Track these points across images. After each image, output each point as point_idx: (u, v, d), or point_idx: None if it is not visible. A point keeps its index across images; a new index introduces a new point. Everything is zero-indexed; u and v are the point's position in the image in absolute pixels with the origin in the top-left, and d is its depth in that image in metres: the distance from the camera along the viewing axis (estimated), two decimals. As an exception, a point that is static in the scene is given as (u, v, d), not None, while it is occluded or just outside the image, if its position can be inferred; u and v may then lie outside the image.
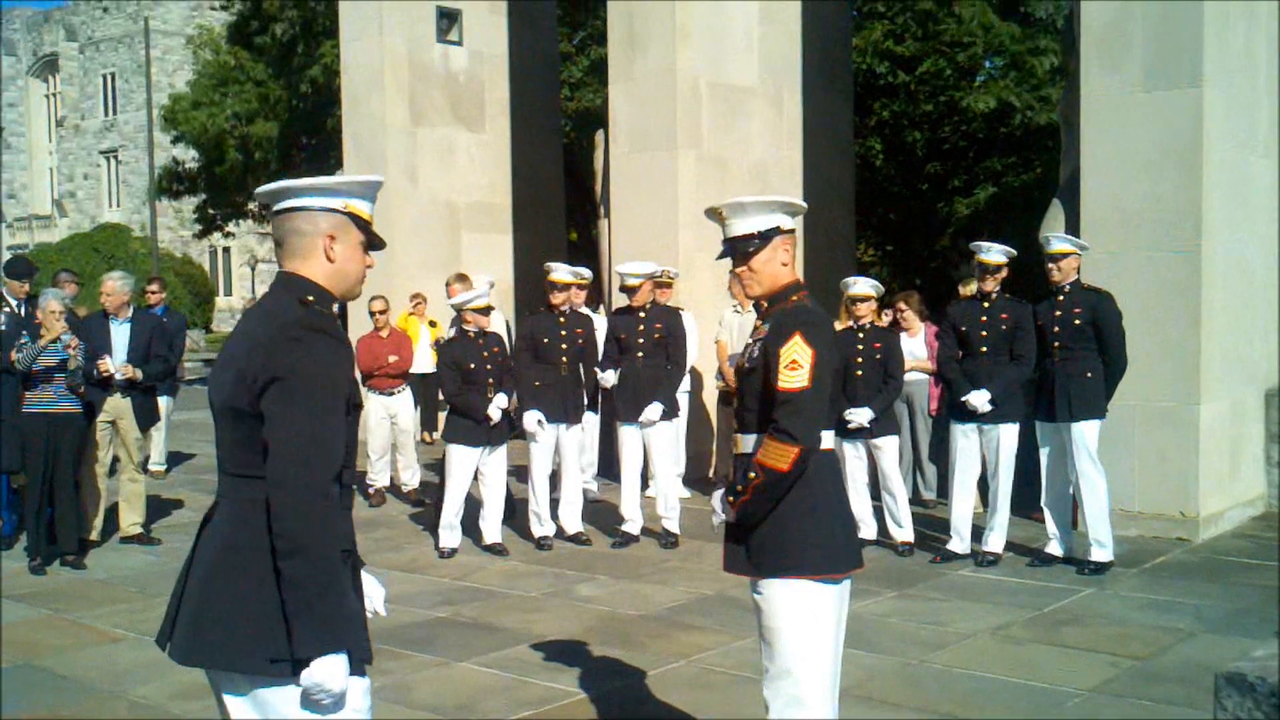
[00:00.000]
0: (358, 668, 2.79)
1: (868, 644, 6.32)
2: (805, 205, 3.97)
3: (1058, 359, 7.92)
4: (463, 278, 10.36)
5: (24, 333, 8.27)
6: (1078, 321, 7.87)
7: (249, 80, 27.20)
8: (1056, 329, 7.93)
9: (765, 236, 3.79)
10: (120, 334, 8.90)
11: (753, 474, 3.62)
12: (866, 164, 21.45)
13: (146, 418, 9.05)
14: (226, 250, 55.36)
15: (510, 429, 8.69)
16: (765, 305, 3.87)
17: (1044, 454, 8.11)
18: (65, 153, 58.64)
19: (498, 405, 8.45)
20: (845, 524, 3.79)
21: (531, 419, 8.65)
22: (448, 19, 15.54)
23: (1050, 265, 7.96)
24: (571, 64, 22.84)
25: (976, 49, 18.85)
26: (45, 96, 60.57)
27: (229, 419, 2.83)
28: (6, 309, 9.15)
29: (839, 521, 3.74)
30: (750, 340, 3.87)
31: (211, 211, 31.72)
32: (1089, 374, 7.87)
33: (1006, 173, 20.07)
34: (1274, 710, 1.84)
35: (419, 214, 15.15)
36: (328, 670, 2.68)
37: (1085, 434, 7.83)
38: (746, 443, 3.78)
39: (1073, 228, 9.42)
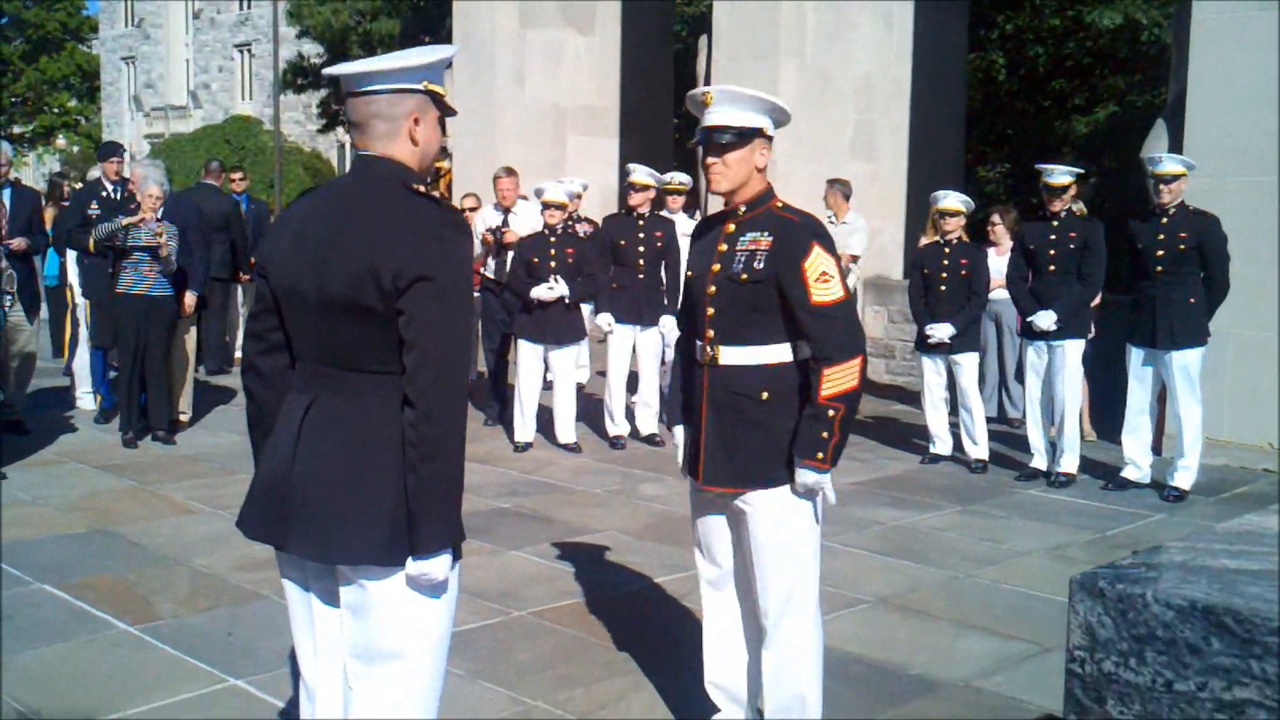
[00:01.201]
0: (456, 552, 2.85)
1: (919, 556, 6.37)
2: (790, 114, 3.83)
3: (1159, 282, 7.71)
4: (510, 171, 10.26)
5: (118, 215, 8.54)
6: (1183, 246, 7.64)
7: (374, -24, 27.40)
8: (1160, 252, 7.70)
9: (745, 134, 3.66)
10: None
11: (830, 411, 3.52)
12: (988, 78, 20.98)
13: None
14: (354, 145, 56.07)
15: (581, 330, 8.79)
16: (743, 209, 3.75)
17: (1133, 378, 7.95)
18: (200, 45, 59.61)
19: (545, 287, 8.45)
20: None
21: (603, 320, 8.77)
22: (561, -81, 15.45)
23: (1161, 186, 7.72)
24: (690, -34, 22.61)
25: (1106, -38, 18.24)
26: (183, -11, 61.55)
27: (348, 314, 2.75)
28: (103, 193, 9.42)
29: None
30: (724, 247, 3.72)
31: (335, 107, 32.13)
32: (1191, 299, 7.67)
33: (1130, 91, 19.49)
34: (1120, 616, 1.84)
35: (525, 116, 15.20)
36: (439, 564, 2.76)
37: (1188, 360, 7.69)
38: (731, 354, 3.68)
39: (1175, 149, 9.16)
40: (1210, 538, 2.18)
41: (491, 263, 9.68)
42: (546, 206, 8.59)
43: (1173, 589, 1.84)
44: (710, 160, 3.70)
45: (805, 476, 3.59)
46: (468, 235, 2.86)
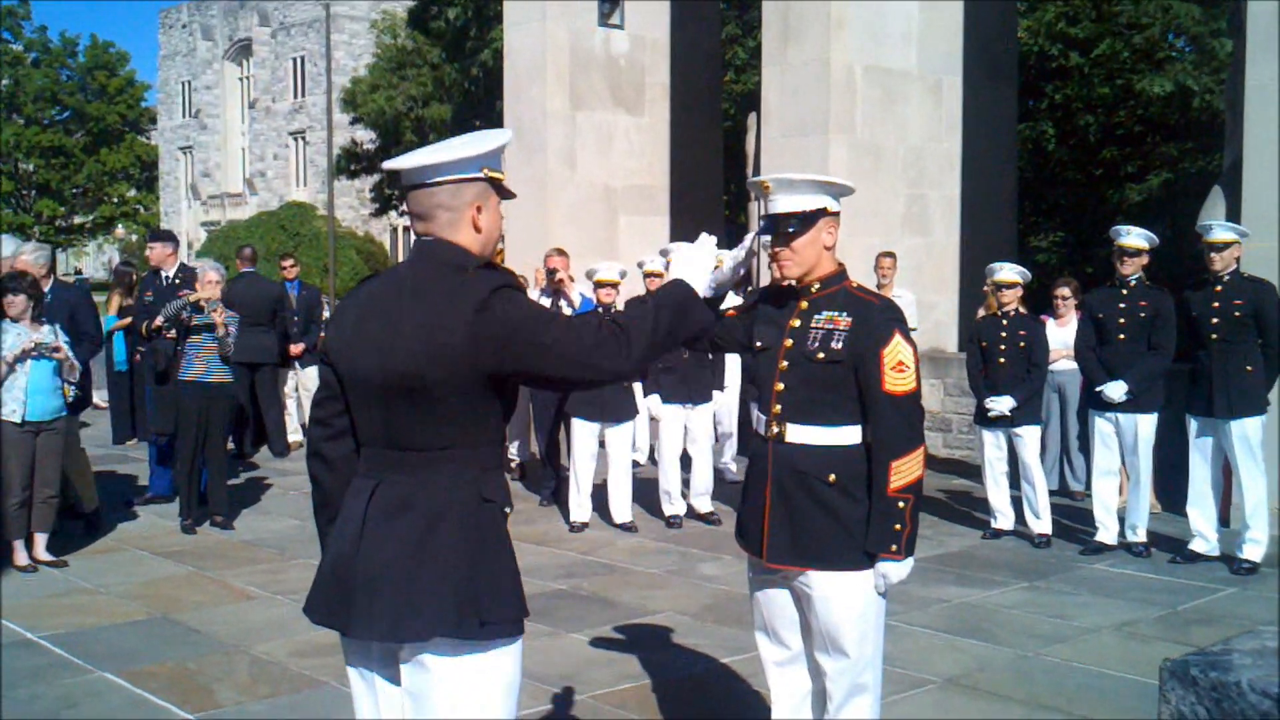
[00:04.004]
0: (517, 628, 2.85)
1: (986, 635, 6.24)
2: (854, 188, 3.80)
3: (1215, 351, 7.60)
4: (561, 252, 10.24)
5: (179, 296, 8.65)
6: (1238, 313, 7.54)
7: (425, 64, 27.86)
8: (1215, 320, 7.61)
9: (809, 218, 3.62)
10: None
11: (900, 503, 3.53)
12: (1038, 148, 20.94)
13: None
14: (407, 229, 56.78)
15: (634, 408, 8.76)
16: (816, 286, 3.70)
17: (1194, 448, 7.81)
18: (256, 134, 60.72)
19: None
20: None
21: (653, 403, 8.76)
22: (610, 3, 15.59)
23: (1211, 254, 7.64)
24: (738, 46, 22.79)
25: (1154, 30, 18.21)
26: (239, 80, 62.80)
27: (412, 396, 2.76)
28: (157, 283, 9.51)
29: None
30: (797, 323, 3.68)
31: (388, 191, 32.63)
32: (1249, 367, 7.55)
33: (1183, 158, 19.38)
34: (1214, 704, 1.77)
35: (577, 198, 15.26)
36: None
37: (1248, 430, 7.54)
38: (799, 433, 3.64)
39: (1233, 216, 9.06)
40: (1301, 619, 2.10)
41: None
42: (599, 286, 8.62)
43: (1268, 676, 1.77)
44: (777, 249, 3.67)
45: (886, 570, 3.56)
46: (513, 287, 2.85)
